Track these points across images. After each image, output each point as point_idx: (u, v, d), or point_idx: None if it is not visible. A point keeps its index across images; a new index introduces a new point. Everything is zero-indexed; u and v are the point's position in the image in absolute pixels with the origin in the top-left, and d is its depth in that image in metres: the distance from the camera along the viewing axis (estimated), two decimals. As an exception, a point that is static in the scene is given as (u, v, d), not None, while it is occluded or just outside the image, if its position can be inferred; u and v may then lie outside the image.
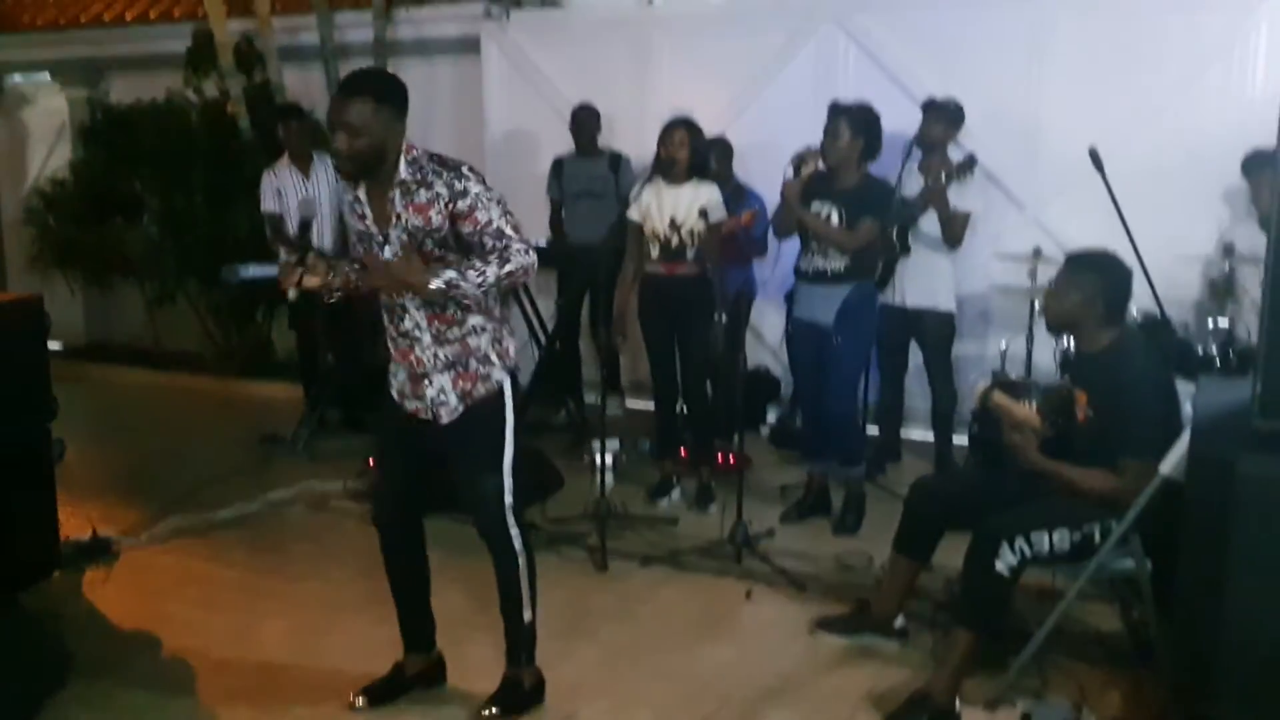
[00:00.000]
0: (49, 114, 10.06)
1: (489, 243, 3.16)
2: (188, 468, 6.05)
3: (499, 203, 3.19)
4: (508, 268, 3.15)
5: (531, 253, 3.20)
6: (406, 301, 3.27)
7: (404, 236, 3.21)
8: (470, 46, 7.85)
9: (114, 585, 4.61)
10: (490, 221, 3.16)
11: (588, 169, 6.71)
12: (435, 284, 3.10)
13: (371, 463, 5.82)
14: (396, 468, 3.52)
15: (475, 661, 3.72)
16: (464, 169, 3.21)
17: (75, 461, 5.04)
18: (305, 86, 8.32)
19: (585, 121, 6.77)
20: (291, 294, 3.17)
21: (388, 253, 3.24)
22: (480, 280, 3.13)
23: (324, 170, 6.93)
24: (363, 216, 3.29)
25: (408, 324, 3.32)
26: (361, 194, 3.28)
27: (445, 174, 3.18)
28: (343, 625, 4.19)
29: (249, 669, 3.87)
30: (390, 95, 3.20)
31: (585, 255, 6.19)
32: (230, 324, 8.57)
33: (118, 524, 5.16)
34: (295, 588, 4.58)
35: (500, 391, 3.37)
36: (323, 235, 6.89)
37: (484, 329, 3.33)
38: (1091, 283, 3.61)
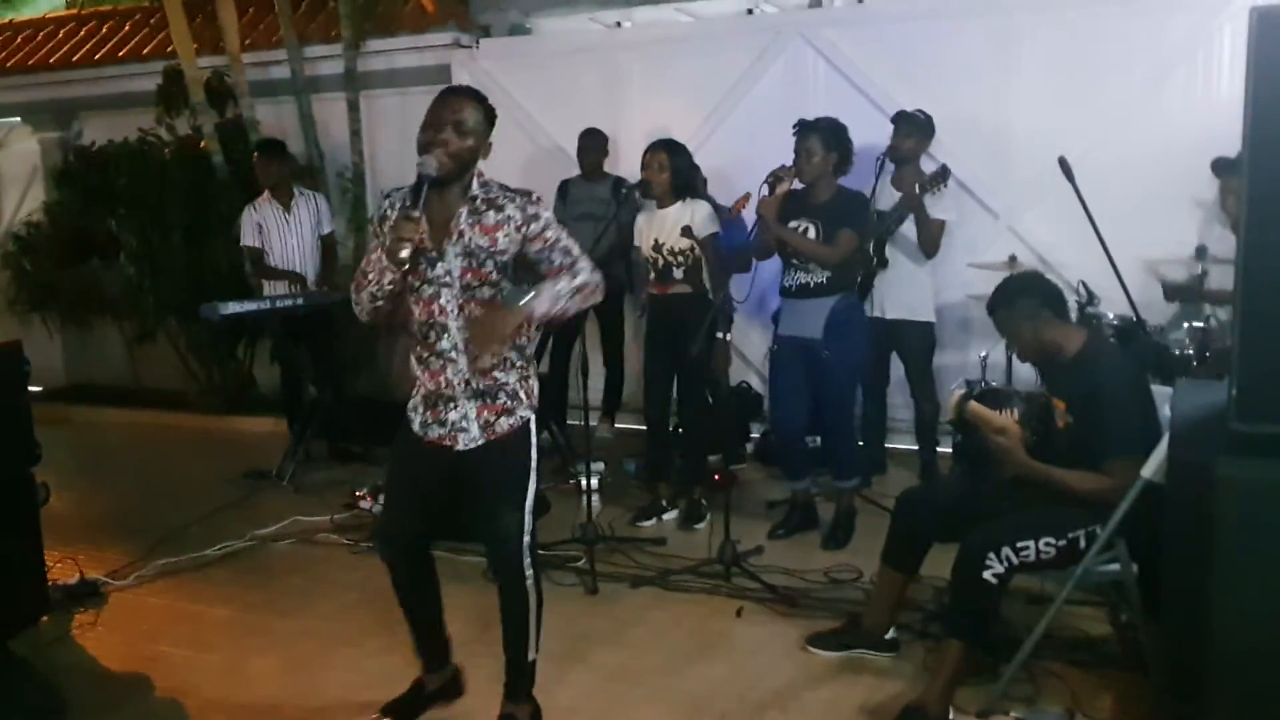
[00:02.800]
0: (21, 157, 10.02)
1: (558, 259, 3.25)
2: (173, 506, 6.01)
3: (564, 226, 3.31)
4: (579, 279, 3.24)
5: (598, 272, 3.29)
6: (448, 320, 3.24)
7: (461, 255, 3.21)
8: (442, 76, 7.85)
9: (103, 628, 4.58)
10: (559, 240, 3.25)
11: (591, 191, 6.73)
12: (536, 311, 3.18)
13: (365, 496, 5.85)
14: (410, 504, 3.46)
15: (473, 687, 3.72)
16: (534, 195, 3.29)
17: (60, 505, 5.01)
18: (278, 120, 8.33)
19: (587, 147, 6.79)
20: (404, 253, 3.07)
21: (439, 269, 3.22)
22: (556, 294, 3.20)
23: (305, 204, 6.96)
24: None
25: (445, 344, 3.28)
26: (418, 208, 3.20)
27: (519, 199, 3.25)
28: (335, 660, 4.17)
29: (242, 707, 3.84)
30: (490, 111, 3.30)
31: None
32: (212, 360, 8.54)
33: (105, 566, 5.13)
34: (286, 623, 4.56)
35: (525, 428, 3.34)
36: (305, 266, 6.91)
37: (515, 364, 3.33)
38: (1024, 304, 3.70)
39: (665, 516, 5.64)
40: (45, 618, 4.51)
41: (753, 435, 6.81)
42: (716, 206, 6.26)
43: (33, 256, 8.94)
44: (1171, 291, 5.47)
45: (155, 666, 4.16)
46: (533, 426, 3.36)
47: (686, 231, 5.24)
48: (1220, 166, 5.26)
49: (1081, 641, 4.02)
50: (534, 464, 3.35)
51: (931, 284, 5.84)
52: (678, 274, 5.35)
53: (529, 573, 3.34)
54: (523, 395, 3.34)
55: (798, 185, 5.02)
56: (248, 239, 6.83)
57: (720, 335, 5.00)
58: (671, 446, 5.81)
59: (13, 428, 4.32)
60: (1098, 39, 6.15)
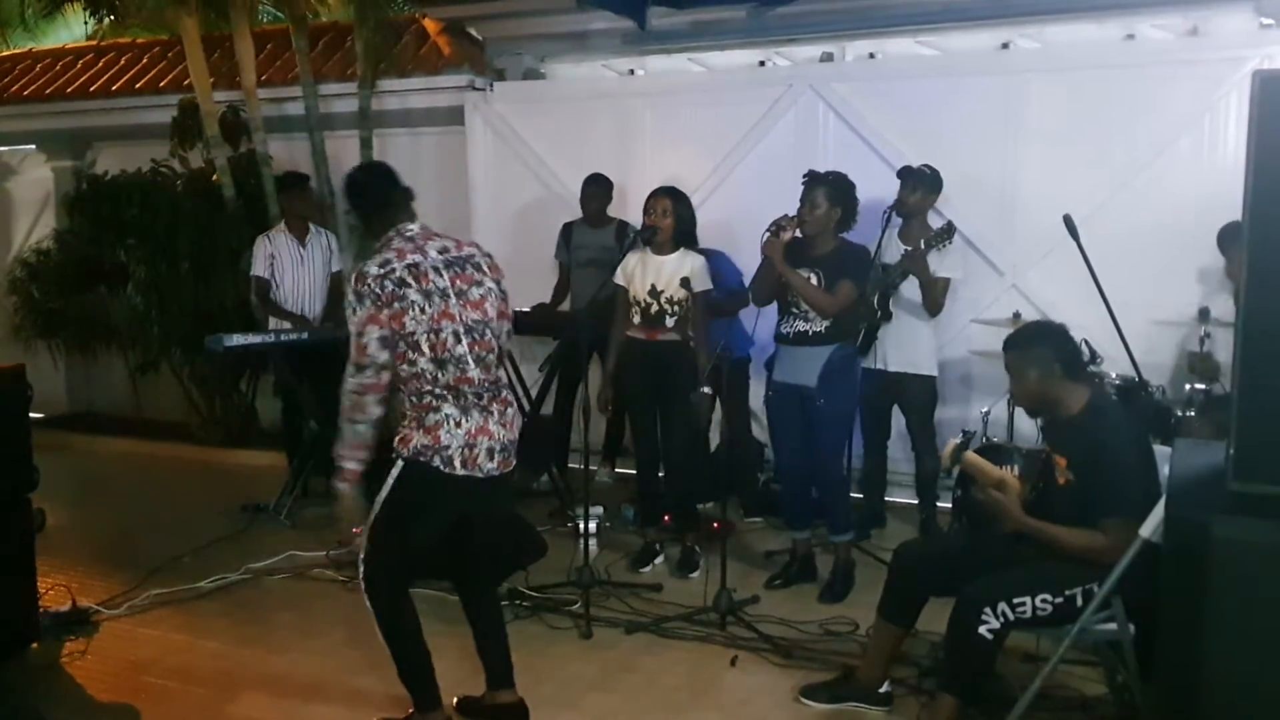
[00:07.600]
0: (34, 184, 10.08)
1: None
2: (169, 537, 5.99)
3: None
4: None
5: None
6: None
7: None
8: (454, 118, 7.93)
9: (93, 657, 4.56)
10: None
11: (595, 238, 6.75)
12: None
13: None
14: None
15: None
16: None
17: (56, 531, 5.01)
18: (291, 156, 8.38)
19: (591, 194, 6.78)
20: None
21: None
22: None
23: (318, 241, 7.01)
24: None
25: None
26: None
27: None
28: (325, 697, 4.15)
29: (229, 742, 3.83)
30: None
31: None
32: (214, 393, 8.55)
33: (97, 594, 5.11)
34: (277, 659, 4.53)
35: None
36: (313, 304, 6.94)
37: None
38: (1039, 352, 3.70)
39: (657, 561, 5.62)
40: (35, 644, 4.50)
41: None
42: (708, 253, 6.30)
43: (41, 283, 8.96)
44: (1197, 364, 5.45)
45: (143, 698, 4.14)
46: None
47: (685, 283, 5.26)
48: (1226, 237, 5.22)
49: (1077, 702, 3.99)
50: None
51: (935, 338, 5.84)
52: (669, 322, 5.36)
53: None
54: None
55: (799, 235, 5.04)
56: (258, 269, 6.86)
57: (705, 388, 5.01)
58: (661, 492, 5.78)
59: (13, 452, 4.33)
60: (1105, 102, 6.18)
